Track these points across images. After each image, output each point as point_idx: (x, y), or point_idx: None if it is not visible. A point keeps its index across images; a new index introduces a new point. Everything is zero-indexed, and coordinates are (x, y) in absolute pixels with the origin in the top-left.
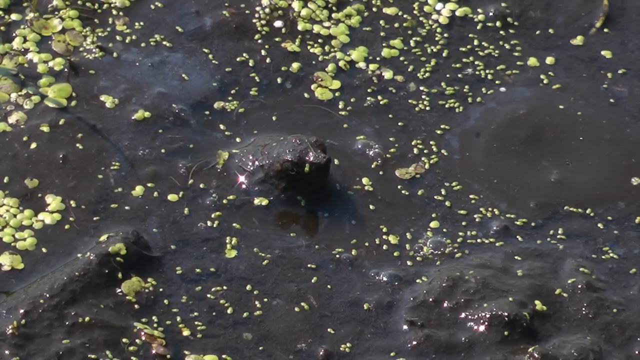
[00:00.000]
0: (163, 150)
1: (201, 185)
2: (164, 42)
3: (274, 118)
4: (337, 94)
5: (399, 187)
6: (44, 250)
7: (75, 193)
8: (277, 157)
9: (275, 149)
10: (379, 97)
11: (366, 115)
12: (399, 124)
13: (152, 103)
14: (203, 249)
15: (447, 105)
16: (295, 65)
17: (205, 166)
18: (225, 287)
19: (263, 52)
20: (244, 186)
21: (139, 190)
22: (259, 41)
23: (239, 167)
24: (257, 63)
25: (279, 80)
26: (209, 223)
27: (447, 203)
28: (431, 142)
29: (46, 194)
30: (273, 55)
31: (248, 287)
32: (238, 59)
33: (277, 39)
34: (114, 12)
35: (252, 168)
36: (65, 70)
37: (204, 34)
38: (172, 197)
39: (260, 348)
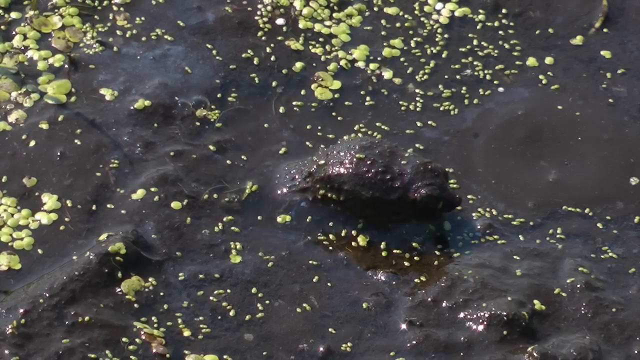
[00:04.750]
0: (171, 152)
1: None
2: (166, 36)
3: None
4: (336, 95)
5: None
6: (39, 250)
7: (71, 191)
8: (413, 184)
9: (408, 171)
10: (383, 96)
11: (366, 114)
12: (398, 123)
13: (152, 92)
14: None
15: (442, 107)
16: (298, 64)
17: (229, 190)
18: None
19: (268, 49)
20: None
21: (139, 193)
22: (263, 38)
23: (360, 176)
24: (262, 60)
25: (276, 80)
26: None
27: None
28: (430, 141)
29: (43, 192)
30: (277, 53)
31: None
32: (243, 55)
33: (279, 37)
34: (114, 8)
35: (385, 186)
36: (65, 66)
37: (206, 29)
38: (175, 204)
39: (264, 353)
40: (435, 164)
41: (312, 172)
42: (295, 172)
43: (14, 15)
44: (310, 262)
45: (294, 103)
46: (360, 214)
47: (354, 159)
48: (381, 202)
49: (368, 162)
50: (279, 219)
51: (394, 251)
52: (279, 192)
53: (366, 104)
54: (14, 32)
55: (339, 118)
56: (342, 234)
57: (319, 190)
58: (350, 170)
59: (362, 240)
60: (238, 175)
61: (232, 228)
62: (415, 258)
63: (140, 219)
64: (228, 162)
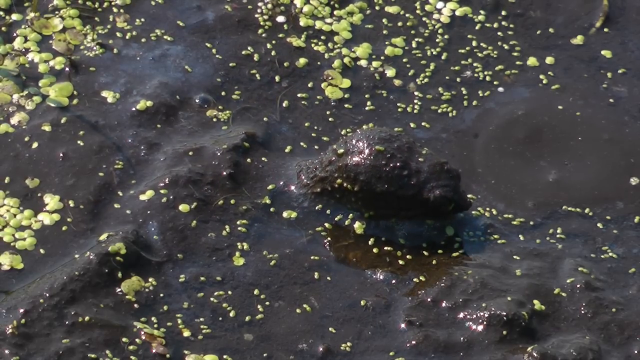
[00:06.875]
0: (178, 152)
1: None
2: (165, 37)
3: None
4: (346, 95)
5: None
6: (42, 250)
7: (74, 192)
8: (428, 183)
9: (425, 169)
10: (387, 94)
11: (375, 112)
12: (403, 122)
13: (153, 92)
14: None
15: (445, 106)
16: (302, 60)
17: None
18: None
19: (269, 46)
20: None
21: (148, 193)
22: (263, 35)
23: (377, 169)
24: (262, 57)
25: (278, 76)
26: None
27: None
28: (432, 140)
29: (46, 193)
30: (278, 50)
31: None
32: (243, 52)
33: (280, 35)
34: (115, 9)
35: (400, 182)
36: (66, 69)
37: (206, 28)
38: (183, 207)
39: (265, 355)
40: (451, 166)
41: (332, 161)
42: (317, 163)
43: (14, 17)
44: (312, 258)
45: (299, 95)
46: (370, 206)
47: (373, 150)
48: (394, 197)
49: (387, 156)
50: (284, 214)
51: (394, 251)
52: (292, 188)
53: (372, 102)
54: (14, 34)
55: (348, 114)
56: (344, 232)
57: (337, 180)
58: (368, 162)
59: (363, 239)
60: (249, 175)
61: (240, 229)
62: (415, 258)
63: (144, 220)
64: (238, 161)
